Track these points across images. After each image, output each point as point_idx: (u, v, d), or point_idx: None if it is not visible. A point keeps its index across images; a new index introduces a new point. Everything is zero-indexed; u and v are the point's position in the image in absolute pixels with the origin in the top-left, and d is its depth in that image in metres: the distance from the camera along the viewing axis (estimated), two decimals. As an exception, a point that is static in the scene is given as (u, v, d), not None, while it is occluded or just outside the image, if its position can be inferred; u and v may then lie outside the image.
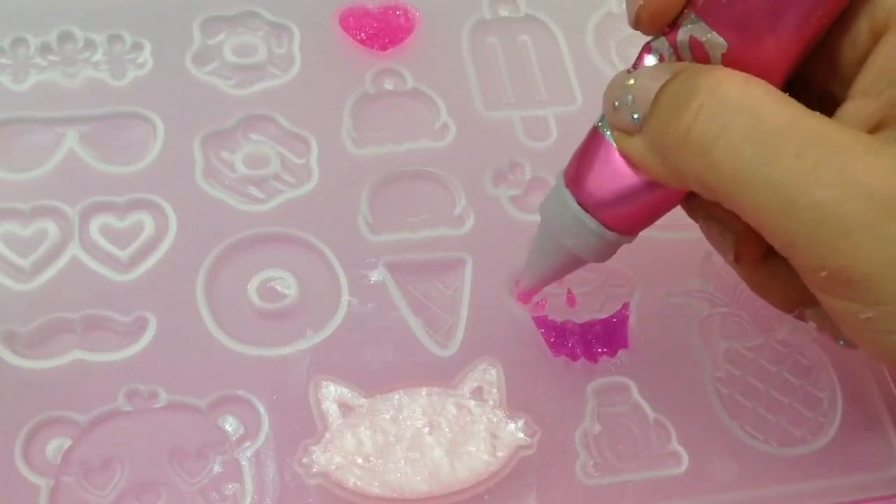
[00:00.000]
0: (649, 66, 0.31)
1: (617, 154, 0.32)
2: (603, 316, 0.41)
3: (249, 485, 0.37)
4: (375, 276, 0.42)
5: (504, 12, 0.51)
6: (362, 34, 0.48)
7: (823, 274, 0.28)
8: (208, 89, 0.46)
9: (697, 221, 0.34)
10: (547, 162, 0.45)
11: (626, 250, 0.42)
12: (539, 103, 0.48)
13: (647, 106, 0.30)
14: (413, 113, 0.47)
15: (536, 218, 0.43)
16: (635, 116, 0.30)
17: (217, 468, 0.37)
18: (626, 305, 0.41)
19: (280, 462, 0.37)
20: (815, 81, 0.32)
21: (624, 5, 0.50)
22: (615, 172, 0.32)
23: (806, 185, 0.27)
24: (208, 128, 0.45)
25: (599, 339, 0.40)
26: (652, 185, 0.32)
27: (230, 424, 0.38)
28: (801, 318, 0.34)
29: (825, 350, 0.41)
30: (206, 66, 0.47)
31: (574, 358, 0.40)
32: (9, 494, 0.36)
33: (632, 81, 0.31)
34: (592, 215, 0.33)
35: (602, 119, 0.33)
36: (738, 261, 0.33)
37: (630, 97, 0.30)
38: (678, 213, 0.43)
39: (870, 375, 0.41)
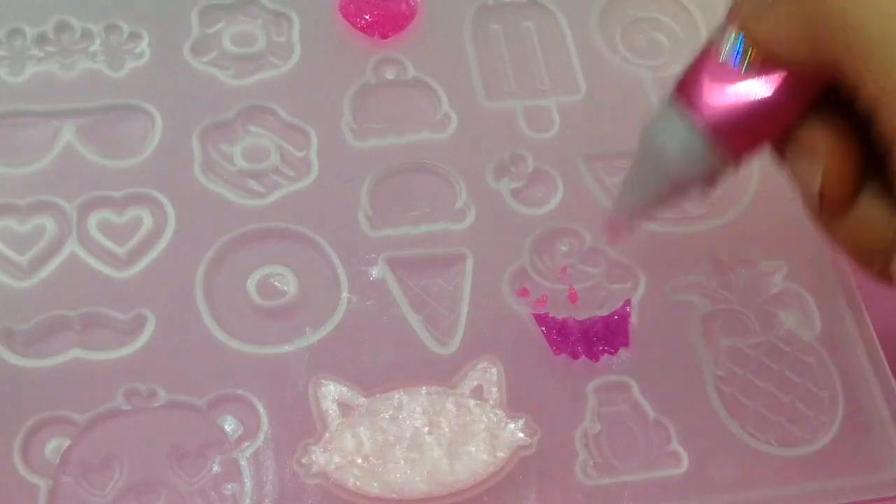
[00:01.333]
0: None
1: (732, 67, 0.31)
2: (604, 313, 0.41)
3: (248, 485, 0.37)
4: (375, 272, 0.41)
5: (507, -3, 0.50)
6: (363, 22, 0.48)
7: None
8: (207, 80, 0.45)
9: (787, 156, 0.32)
10: (549, 154, 0.45)
11: (629, 244, 0.42)
12: (542, 93, 0.47)
13: None
14: (414, 103, 0.46)
15: (538, 210, 0.43)
16: None
17: (216, 468, 0.37)
18: (627, 302, 0.41)
19: (279, 462, 0.37)
20: None
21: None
22: (732, 85, 0.31)
23: None
24: (207, 120, 0.44)
25: (601, 336, 0.40)
26: (770, 97, 0.31)
27: (229, 424, 0.38)
28: (885, 274, 0.32)
29: (827, 348, 0.41)
30: (205, 56, 0.46)
31: (575, 356, 0.40)
32: (8, 494, 0.36)
33: None
34: (704, 135, 0.31)
35: (718, 31, 0.31)
36: (822, 198, 0.31)
37: None
38: (683, 205, 0.44)
39: (871, 374, 0.40)
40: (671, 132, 0.32)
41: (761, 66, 0.30)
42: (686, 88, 0.32)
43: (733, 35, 0.31)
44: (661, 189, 0.33)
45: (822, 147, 0.31)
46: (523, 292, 0.41)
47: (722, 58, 0.31)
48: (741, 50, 0.31)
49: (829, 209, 0.32)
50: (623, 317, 0.41)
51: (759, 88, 0.31)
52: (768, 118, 0.31)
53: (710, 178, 0.33)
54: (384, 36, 0.48)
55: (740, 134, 0.31)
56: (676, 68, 0.47)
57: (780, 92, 0.31)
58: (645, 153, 0.33)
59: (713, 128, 0.31)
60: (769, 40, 0.30)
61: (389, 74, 0.47)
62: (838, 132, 0.31)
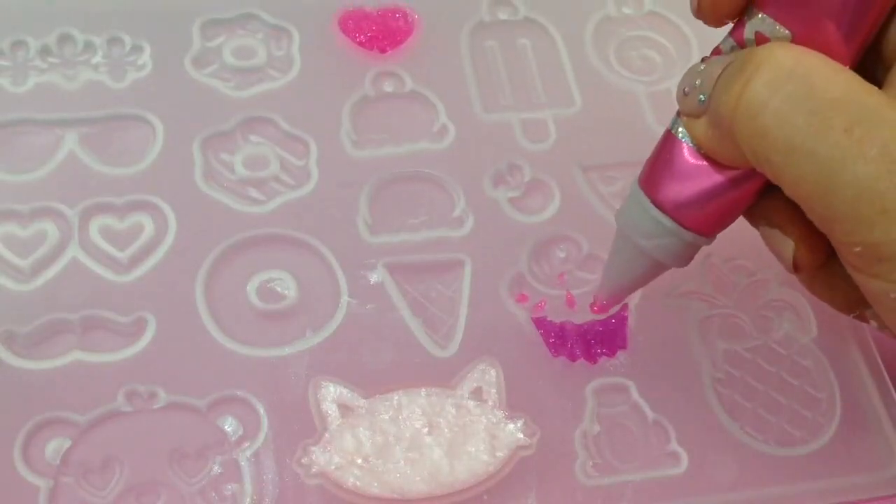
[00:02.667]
0: (720, 56, 0.32)
1: (690, 154, 0.32)
2: (602, 317, 0.41)
3: (249, 485, 0.37)
4: (375, 276, 0.42)
5: (503, 15, 0.51)
6: (361, 36, 0.48)
7: (857, 250, 0.28)
8: (208, 91, 0.46)
9: (758, 229, 0.34)
10: (546, 164, 0.45)
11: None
12: (538, 106, 0.48)
13: (712, 85, 0.30)
14: (412, 115, 0.47)
15: (534, 219, 0.44)
16: (701, 98, 0.31)
17: (216, 469, 0.37)
18: (625, 307, 0.41)
19: (279, 462, 0.37)
20: (861, 67, 0.32)
21: (623, 9, 0.51)
22: (690, 172, 0.32)
23: (850, 159, 0.27)
24: (208, 130, 0.45)
25: (599, 339, 0.40)
26: (725, 182, 0.32)
27: (229, 425, 0.38)
28: (862, 318, 0.34)
29: (823, 351, 0.41)
30: (206, 69, 0.47)
31: (573, 358, 0.40)
32: (8, 495, 0.36)
33: (702, 67, 0.31)
34: (671, 217, 0.33)
35: (674, 122, 0.33)
36: (796, 268, 0.33)
37: (698, 81, 0.31)
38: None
39: (868, 375, 0.41)
40: (641, 213, 0.34)
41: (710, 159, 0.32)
42: (650, 177, 0.34)
43: (681, 131, 0.33)
44: (639, 269, 0.35)
45: (789, 223, 0.32)
46: (521, 297, 0.42)
47: (680, 144, 0.33)
48: (691, 145, 0.32)
49: (805, 272, 0.33)
50: (621, 321, 0.41)
51: (714, 177, 0.32)
52: (728, 201, 0.33)
53: (683, 257, 0.34)
54: (383, 50, 0.48)
55: (704, 215, 0.33)
56: (669, 83, 0.49)
57: (735, 179, 0.32)
58: (620, 236, 0.35)
59: (675, 210, 0.33)
60: (704, 146, 0.32)
61: (388, 87, 0.47)
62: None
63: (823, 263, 0.33)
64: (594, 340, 0.40)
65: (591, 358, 0.40)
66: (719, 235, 0.43)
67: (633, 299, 0.42)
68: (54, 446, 0.37)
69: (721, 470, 0.38)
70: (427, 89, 0.47)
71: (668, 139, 0.33)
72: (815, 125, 0.27)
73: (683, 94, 0.32)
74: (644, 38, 0.51)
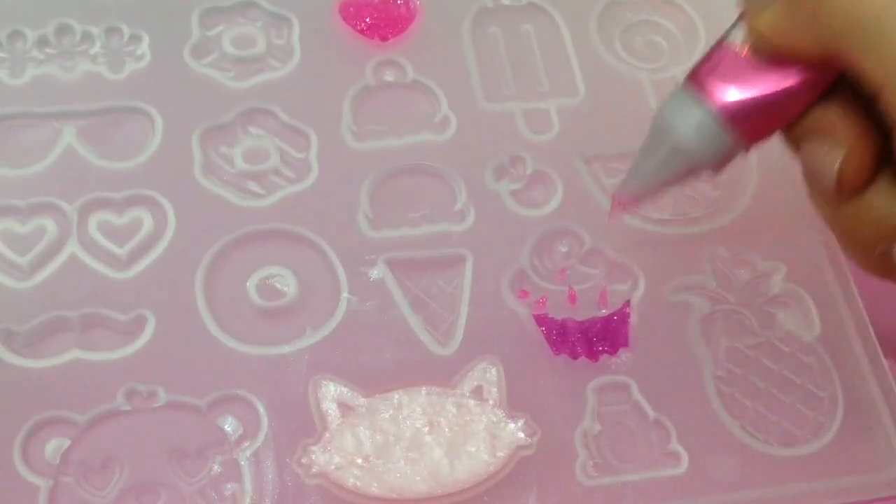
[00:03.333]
0: None
1: (746, 56, 0.31)
2: (604, 314, 0.41)
3: (248, 485, 0.37)
4: (375, 273, 0.41)
5: (506, 1, 0.50)
6: (362, 24, 0.48)
7: None
8: (207, 82, 0.46)
9: (802, 145, 0.32)
10: (548, 156, 0.45)
11: (629, 245, 0.42)
12: (541, 95, 0.47)
13: None
14: (414, 105, 0.46)
15: (537, 212, 0.43)
16: None
17: (216, 468, 0.37)
18: (626, 303, 0.41)
19: (279, 462, 0.37)
20: None
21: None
22: (744, 73, 0.31)
23: None
24: (207, 122, 0.44)
25: (600, 337, 0.40)
26: (780, 85, 0.31)
27: (229, 424, 0.38)
28: (885, 256, 0.32)
29: (826, 349, 0.41)
30: (205, 59, 0.46)
31: (575, 356, 0.40)
32: (8, 495, 0.36)
33: None
34: (719, 118, 0.32)
35: (728, 32, 0.32)
36: (841, 181, 0.31)
37: None
38: (681, 205, 0.44)
39: (871, 374, 0.41)
40: (686, 114, 0.32)
41: (771, 57, 0.31)
42: (701, 75, 0.32)
43: (743, 29, 0.31)
44: (672, 169, 0.34)
45: (843, 130, 0.31)
46: (523, 294, 0.41)
47: (734, 49, 0.31)
48: (751, 42, 0.31)
49: (845, 192, 0.32)
50: (622, 318, 0.41)
51: (770, 78, 0.31)
52: (781, 106, 0.32)
53: (720, 161, 0.33)
54: (384, 38, 0.48)
55: (753, 120, 0.32)
56: (675, 71, 0.48)
57: (792, 81, 0.31)
58: (658, 133, 0.33)
59: (726, 113, 0.32)
60: (772, 34, 0.30)
61: (389, 77, 0.47)
62: (857, 117, 0.31)
63: (864, 186, 0.31)
64: (596, 338, 0.40)
65: (593, 355, 0.40)
66: (721, 232, 0.43)
67: (636, 295, 0.41)
68: (54, 446, 0.37)
69: (722, 470, 0.38)
70: (429, 79, 0.47)
71: (721, 46, 0.32)
72: None
73: None
74: (650, 23, 0.51)
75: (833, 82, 0.31)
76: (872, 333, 0.41)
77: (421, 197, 0.44)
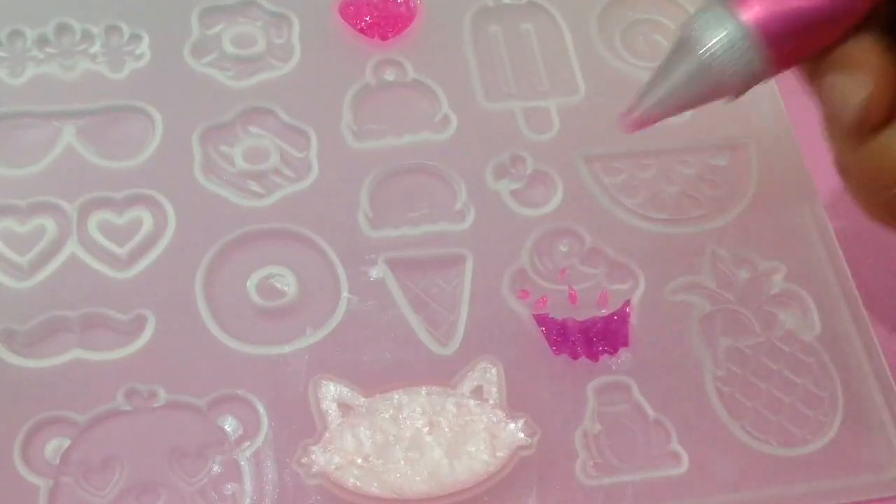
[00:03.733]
0: None
1: None
2: (604, 313, 0.41)
3: (248, 485, 0.37)
4: (375, 272, 0.41)
5: (507, -1, 0.50)
6: (362, 23, 0.48)
7: None
8: (207, 82, 0.45)
9: (826, 78, 0.32)
10: (549, 155, 0.45)
11: (629, 245, 0.42)
12: (541, 94, 0.47)
13: None
14: (414, 105, 0.46)
15: (537, 211, 0.43)
16: None
17: (216, 468, 0.37)
18: (627, 303, 0.41)
19: (279, 462, 0.37)
20: None
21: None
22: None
23: None
24: (207, 121, 0.44)
25: (601, 336, 0.40)
26: (818, 5, 0.31)
27: (229, 424, 0.38)
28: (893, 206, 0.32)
29: (826, 349, 0.41)
30: (205, 58, 0.46)
31: (575, 356, 0.40)
32: (8, 495, 0.36)
33: None
34: (751, 33, 0.31)
35: None
36: (862, 120, 0.31)
37: None
38: (681, 205, 0.44)
39: (871, 374, 0.41)
40: (717, 24, 0.32)
41: None
42: None
43: None
44: (694, 88, 0.33)
45: (872, 65, 0.31)
46: (523, 294, 0.41)
47: None
48: None
49: (865, 129, 0.31)
50: (622, 317, 0.41)
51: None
52: (816, 28, 0.31)
53: (744, 82, 0.32)
54: (384, 37, 0.48)
55: (788, 38, 0.31)
56: (676, 69, 0.48)
57: (829, 2, 0.31)
58: (684, 46, 0.33)
59: (762, 27, 0.31)
60: None
61: (389, 76, 0.47)
62: (886, 53, 0.30)
63: (885, 123, 0.31)
64: (596, 338, 0.40)
65: (593, 355, 0.40)
66: (721, 232, 0.43)
67: (636, 295, 0.41)
68: (54, 446, 0.37)
69: (722, 470, 0.38)
70: (429, 78, 0.47)
71: None
72: None
73: None
74: (651, 22, 0.51)
75: (867, 14, 0.31)
76: (873, 333, 0.41)
77: (421, 196, 0.44)
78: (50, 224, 0.41)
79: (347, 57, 0.47)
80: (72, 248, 0.41)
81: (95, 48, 0.45)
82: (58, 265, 0.40)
